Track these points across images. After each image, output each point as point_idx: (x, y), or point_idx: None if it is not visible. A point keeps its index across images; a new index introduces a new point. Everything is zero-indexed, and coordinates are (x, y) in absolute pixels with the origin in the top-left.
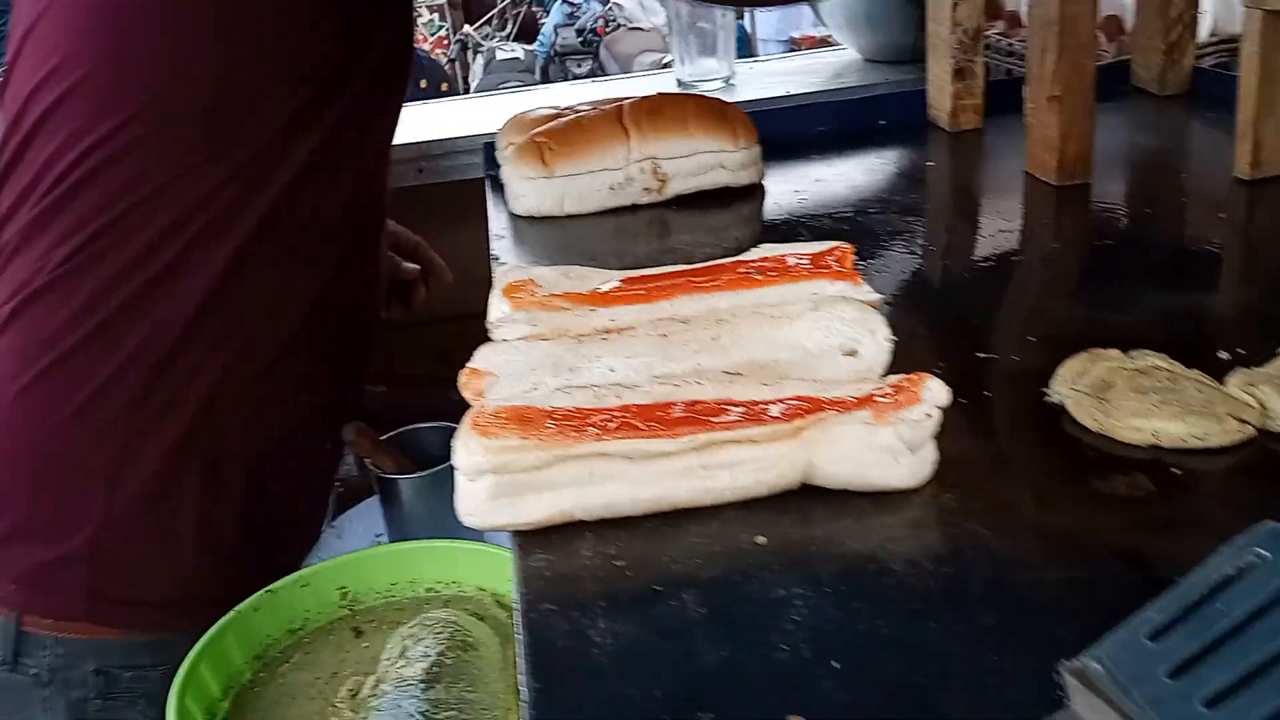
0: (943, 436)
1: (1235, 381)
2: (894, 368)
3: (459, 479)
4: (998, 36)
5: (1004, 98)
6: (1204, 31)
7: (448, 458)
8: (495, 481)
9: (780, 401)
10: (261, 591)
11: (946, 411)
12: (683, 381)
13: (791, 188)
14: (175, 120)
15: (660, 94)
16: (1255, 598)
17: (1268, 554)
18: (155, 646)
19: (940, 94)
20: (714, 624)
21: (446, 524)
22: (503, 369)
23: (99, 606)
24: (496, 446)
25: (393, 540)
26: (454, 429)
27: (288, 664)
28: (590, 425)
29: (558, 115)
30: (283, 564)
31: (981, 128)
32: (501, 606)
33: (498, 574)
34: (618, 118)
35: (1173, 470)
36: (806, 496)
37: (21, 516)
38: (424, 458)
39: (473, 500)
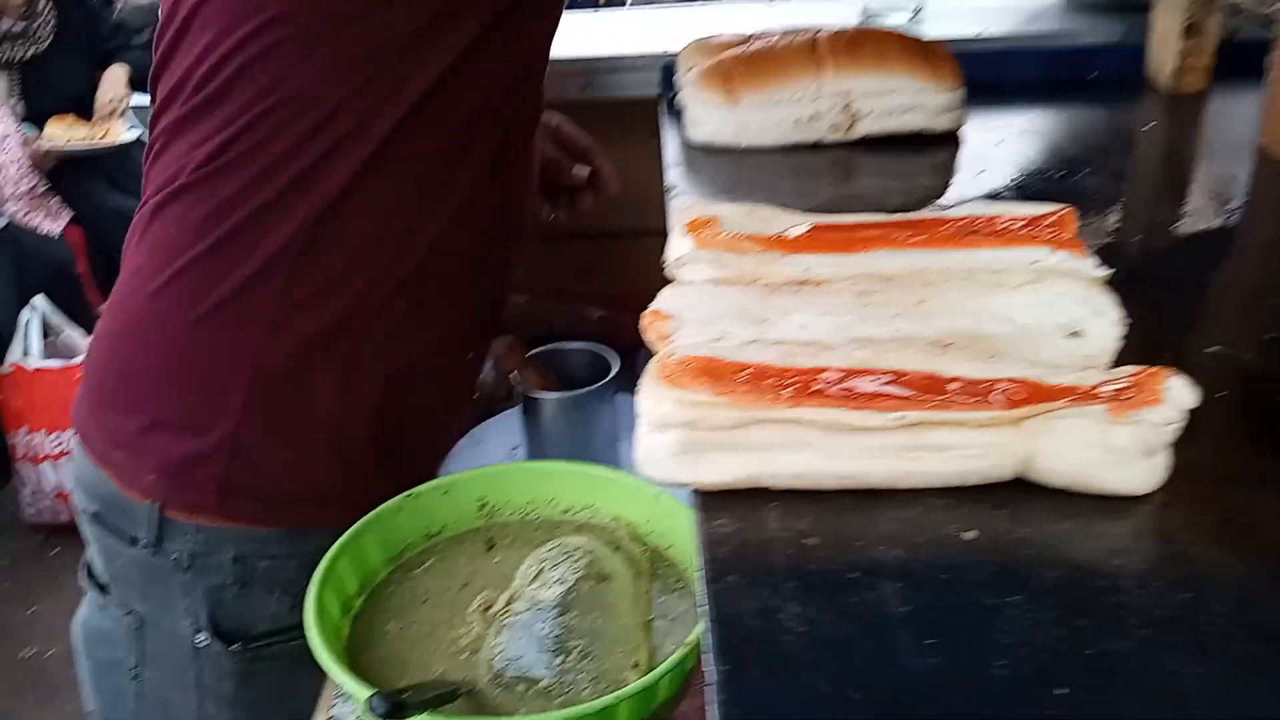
0: (1178, 442)
1: None
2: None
3: (641, 427)
4: None
5: (1236, 61)
6: None
7: (589, 378)
8: (682, 436)
9: (1001, 384)
10: (403, 495)
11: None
12: (884, 348)
13: (992, 138)
14: (319, 18)
15: (859, 27)
16: None
17: None
18: (292, 539)
19: (1164, 51)
20: (919, 624)
21: (585, 447)
22: (686, 313)
23: (233, 502)
24: (688, 400)
25: (529, 457)
26: (597, 351)
27: (421, 568)
28: (787, 387)
29: (745, 41)
30: (416, 473)
31: (1207, 91)
32: (636, 540)
33: (636, 505)
34: (812, 48)
35: None
36: (1018, 491)
37: (160, 411)
38: (567, 377)
39: (656, 453)
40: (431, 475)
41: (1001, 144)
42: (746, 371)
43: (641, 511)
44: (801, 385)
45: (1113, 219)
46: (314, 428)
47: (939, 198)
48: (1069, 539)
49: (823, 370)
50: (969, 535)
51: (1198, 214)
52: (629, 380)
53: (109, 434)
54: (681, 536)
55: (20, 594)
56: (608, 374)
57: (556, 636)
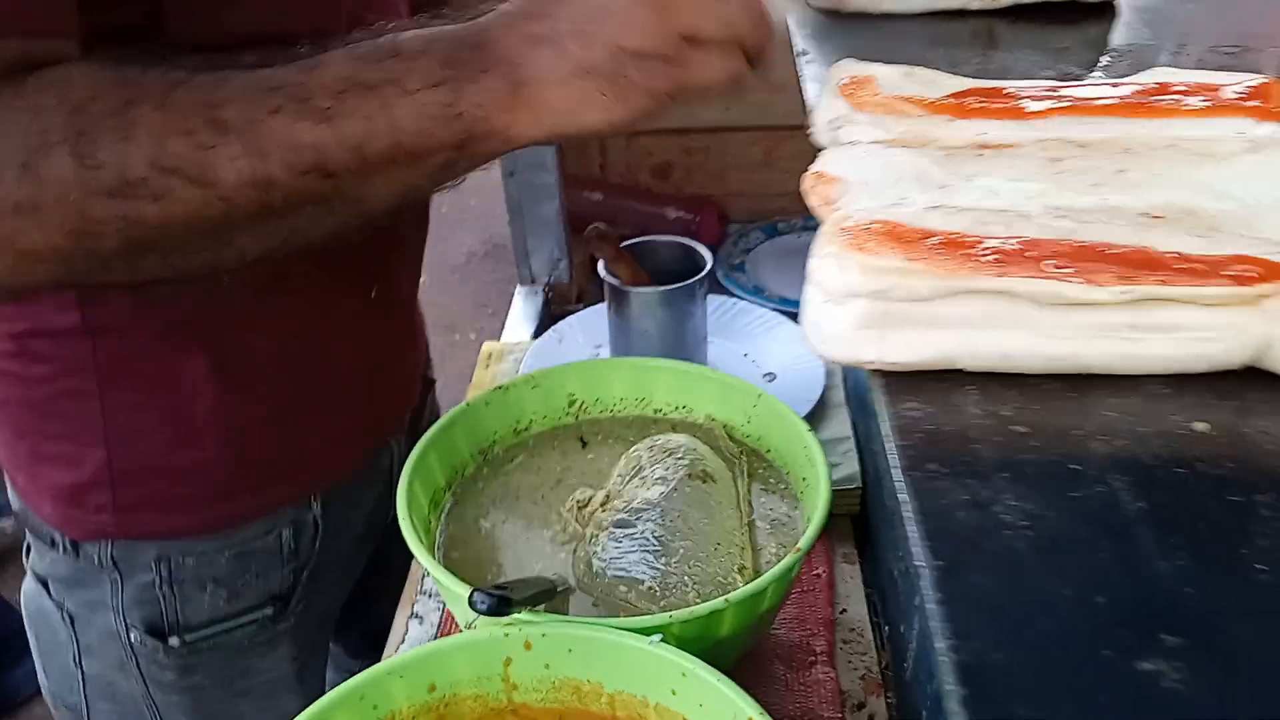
0: None
1: None
2: None
3: (814, 299)
4: None
5: None
6: None
7: (678, 273)
8: (869, 308)
9: (1230, 261)
10: (493, 388)
11: None
12: (1088, 218)
13: (1152, 8)
14: None
15: None
16: None
17: None
18: (214, 535)
19: None
20: (1160, 523)
21: (675, 345)
22: (855, 176)
23: (132, 522)
24: (880, 267)
25: (615, 354)
26: (688, 245)
27: (511, 464)
28: (989, 255)
29: None
30: (338, 442)
31: None
32: (734, 440)
33: (731, 404)
34: None
35: None
36: (1247, 382)
37: (36, 443)
38: (654, 270)
39: (834, 326)
40: (369, 420)
41: (1162, 15)
42: (937, 238)
43: (739, 412)
44: (1005, 255)
45: None
46: (194, 428)
47: (1099, 72)
48: None
49: (1026, 240)
50: (1200, 427)
51: None
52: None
53: (8, 457)
54: (783, 439)
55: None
56: (698, 270)
57: (659, 537)
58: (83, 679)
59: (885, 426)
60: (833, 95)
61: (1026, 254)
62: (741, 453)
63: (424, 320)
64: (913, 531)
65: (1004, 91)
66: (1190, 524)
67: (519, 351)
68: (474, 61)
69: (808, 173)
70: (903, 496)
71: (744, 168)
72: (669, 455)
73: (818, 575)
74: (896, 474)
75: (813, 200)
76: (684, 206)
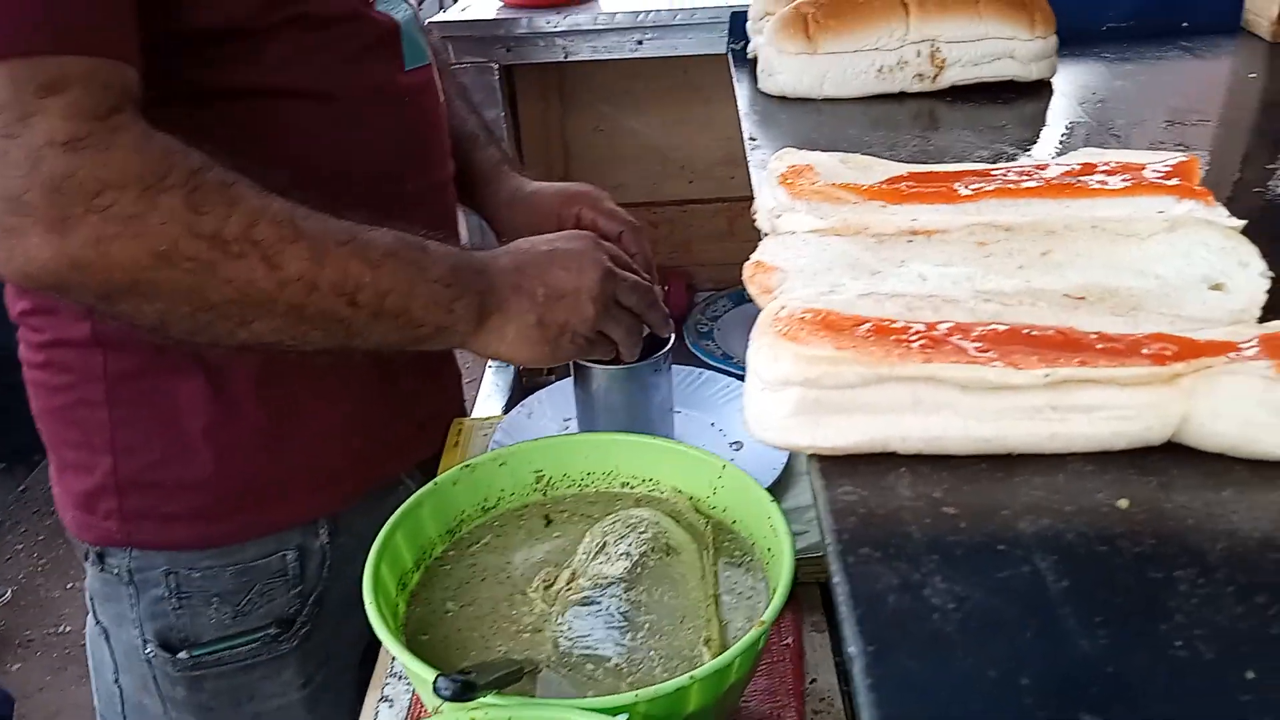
0: None
1: None
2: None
3: (752, 387)
4: None
5: None
6: None
7: (642, 349)
8: (802, 396)
9: (1148, 340)
10: (460, 466)
11: None
12: (1013, 301)
13: (1084, 88)
14: None
15: None
16: None
17: None
18: (220, 550)
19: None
20: (1082, 602)
21: (640, 419)
22: (792, 265)
23: (138, 532)
24: (810, 356)
25: (583, 430)
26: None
27: (478, 544)
28: (916, 342)
29: None
30: (329, 458)
31: None
32: (700, 513)
33: (696, 477)
34: None
35: None
36: (1168, 457)
37: (57, 451)
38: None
39: (771, 414)
40: (365, 456)
41: (1095, 94)
42: (868, 325)
43: (704, 484)
44: (931, 340)
45: (1219, 171)
46: (191, 444)
47: (1033, 150)
48: (1232, 508)
49: (951, 324)
50: (1123, 504)
51: None
52: (675, 353)
53: (52, 471)
54: (747, 511)
55: (59, 569)
56: (661, 345)
57: (624, 613)
58: (121, 698)
59: (821, 511)
60: (773, 184)
61: (952, 339)
62: (707, 525)
63: (454, 374)
64: (845, 616)
65: (936, 175)
66: (1111, 601)
67: (488, 428)
68: (474, 281)
69: (748, 262)
70: (837, 580)
71: (709, 238)
72: (632, 530)
73: (787, 645)
74: (832, 558)
75: (752, 289)
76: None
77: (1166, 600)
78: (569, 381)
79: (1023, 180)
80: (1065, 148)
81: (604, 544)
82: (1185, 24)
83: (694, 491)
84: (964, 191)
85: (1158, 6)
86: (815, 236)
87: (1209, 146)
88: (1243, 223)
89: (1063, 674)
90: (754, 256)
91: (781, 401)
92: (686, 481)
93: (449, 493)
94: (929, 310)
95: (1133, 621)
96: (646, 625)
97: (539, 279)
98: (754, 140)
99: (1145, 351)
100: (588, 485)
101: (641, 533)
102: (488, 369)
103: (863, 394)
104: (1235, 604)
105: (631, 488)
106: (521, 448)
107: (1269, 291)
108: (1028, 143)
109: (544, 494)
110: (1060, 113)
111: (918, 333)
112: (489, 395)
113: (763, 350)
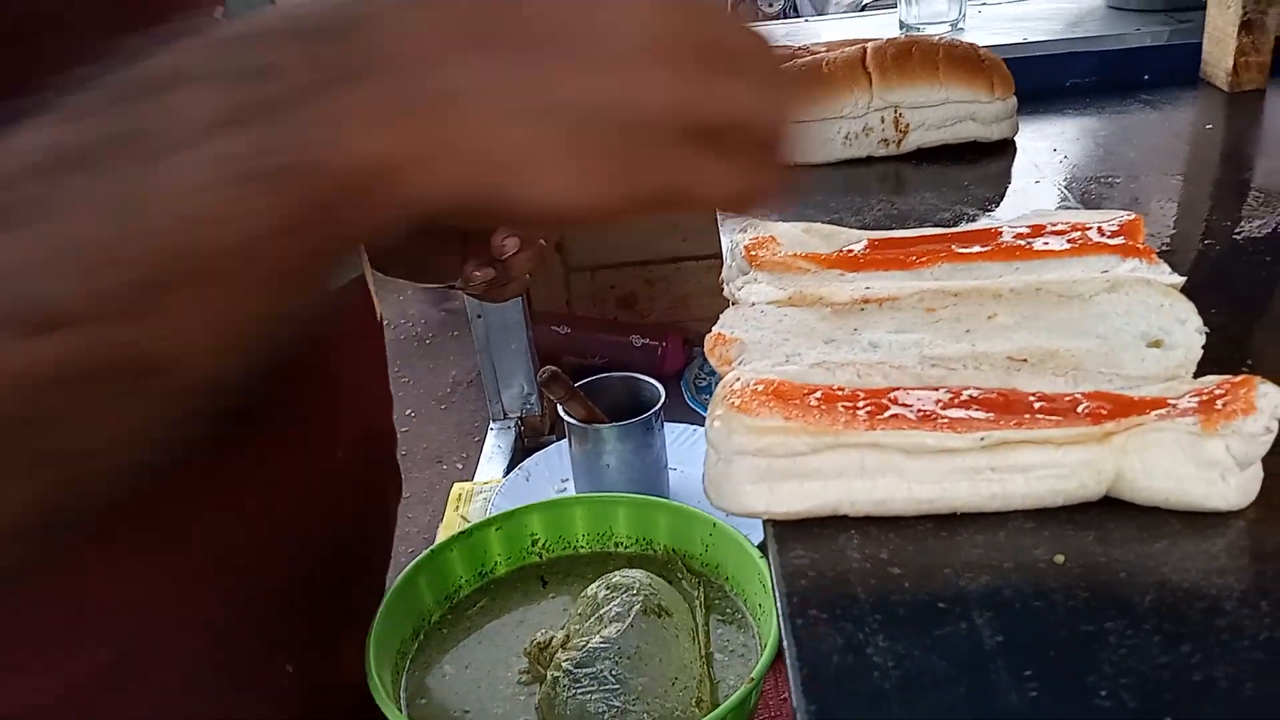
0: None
1: None
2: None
3: (709, 458)
4: None
5: None
6: None
7: (634, 407)
8: (755, 465)
9: (1084, 399)
10: (456, 533)
11: None
12: (958, 365)
13: (1047, 145)
14: None
15: (908, 37)
16: None
17: None
18: None
19: (1220, 49)
20: (1015, 656)
21: (634, 477)
22: (751, 336)
23: None
24: (761, 427)
25: (579, 490)
26: (640, 379)
27: (474, 608)
28: (863, 410)
29: (790, 57)
30: None
31: (1265, 89)
32: (692, 572)
33: (687, 535)
34: (860, 61)
35: None
36: (1105, 511)
37: None
38: (611, 406)
39: (727, 483)
40: None
41: (1056, 151)
42: (818, 395)
43: (696, 541)
44: (877, 407)
45: (1177, 223)
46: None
47: (995, 209)
48: (1163, 559)
49: (897, 391)
50: (1058, 559)
51: (1264, 215)
52: (675, 408)
53: None
54: (738, 567)
55: None
56: (653, 403)
57: (617, 675)
58: None
59: (774, 574)
60: (738, 256)
61: (895, 406)
62: (699, 583)
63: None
64: (792, 677)
65: (893, 242)
66: (1043, 655)
67: (489, 491)
68: (331, 63)
69: (708, 334)
70: (786, 642)
71: (704, 294)
72: (624, 592)
73: (784, 699)
74: (783, 621)
75: (713, 360)
76: (649, 334)
77: (1096, 651)
78: (565, 443)
79: (972, 245)
80: (1023, 207)
81: (596, 606)
82: (1146, 77)
83: (687, 549)
84: (916, 259)
85: (1118, 62)
86: (774, 307)
87: (1167, 198)
88: (1181, 280)
89: None
90: (715, 329)
91: (737, 471)
92: (678, 540)
93: (446, 559)
94: (878, 377)
95: (1061, 674)
96: (639, 687)
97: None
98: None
99: (1080, 411)
100: (582, 546)
101: (633, 594)
102: (490, 430)
103: (813, 461)
104: (1161, 653)
105: (625, 547)
106: (518, 512)
107: (1204, 347)
108: (990, 202)
109: (540, 556)
110: (1023, 170)
111: (864, 400)
112: (490, 458)
113: (717, 423)
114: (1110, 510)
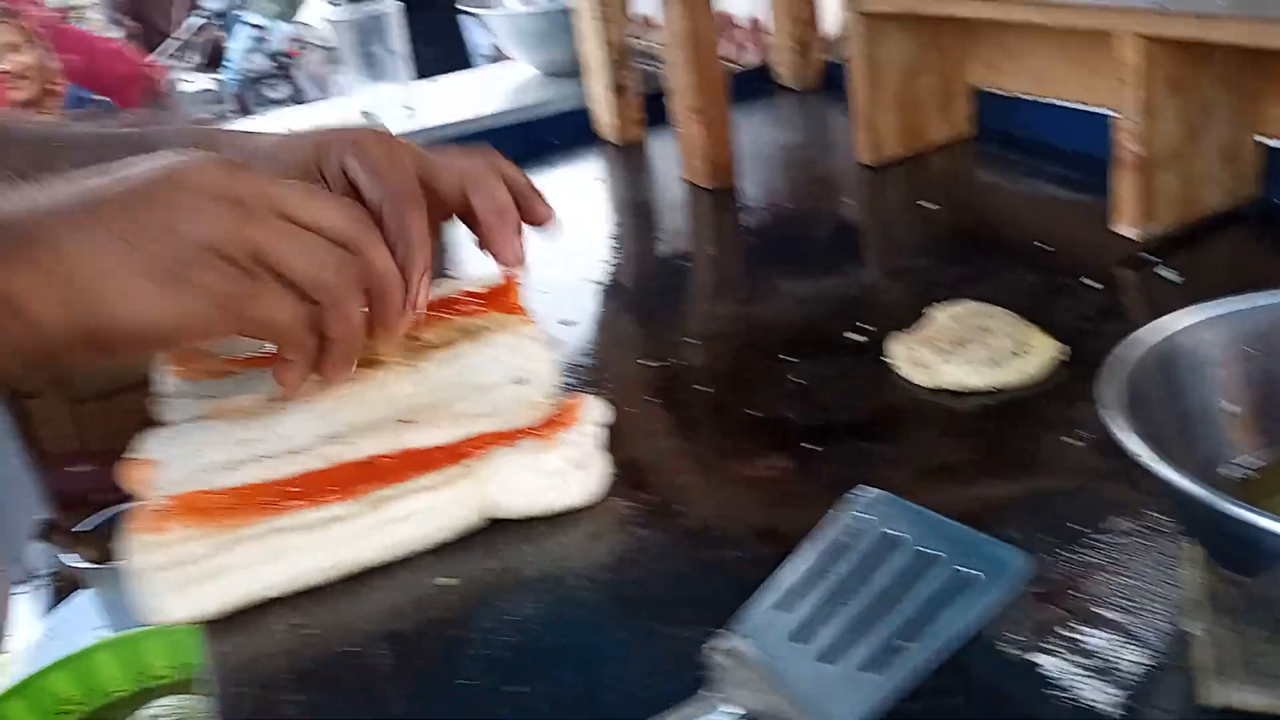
0: (620, 448)
1: (897, 347)
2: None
3: (131, 578)
4: (644, 42)
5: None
6: (838, 26)
7: None
8: (168, 576)
9: (459, 444)
10: None
11: (625, 422)
12: (355, 437)
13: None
14: None
15: None
16: (857, 557)
17: (869, 516)
18: None
19: (603, 110)
20: (401, 672)
21: None
22: (165, 454)
23: None
24: (163, 542)
25: (118, 630)
26: None
27: None
28: (260, 501)
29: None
30: None
31: (644, 139)
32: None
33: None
34: None
35: (804, 446)
36: (496, 530)
37: None
38: None
39: (150, 598)
40: None
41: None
42: (223, 498)
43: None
44: (269, 497)
45: (574, 269)
46: None
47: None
48: (529, 559)
49: (292, 478)
50: (447, 581)
51: (645, 248)
52: None
53: None
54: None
55: None
56: None
57: None
58: None
59: (210, 668)
60: (166, 372)
61: (287, 491)
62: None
63: None
64: None
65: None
66: (424, 664)
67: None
68: None
69: (122, 460)
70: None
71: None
72: None
73: None
74: (212, 706)
75: (133, 487)
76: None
77: (463, 649)
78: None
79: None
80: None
81: None
82: (554, 141)
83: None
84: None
85: (527, 130)
86: (190, 422)
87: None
88: (539, 326)
89: None
90: (130, 455)
91: (155, 585)
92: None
93: None
94: (285, 465)
95: (433, 674)
96: None
97: (112, 201)
98: None
99: (443, 453)
100: (125, 688)
101: None
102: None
103: (223, 559)
104: (513, 636)
105: (169, 677)
106: (35, 676)
107: (576, 377)
108: None
109: (83, 710)
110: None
111: (263, 493)
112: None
113: (131, 546)
114: (500, 528)
